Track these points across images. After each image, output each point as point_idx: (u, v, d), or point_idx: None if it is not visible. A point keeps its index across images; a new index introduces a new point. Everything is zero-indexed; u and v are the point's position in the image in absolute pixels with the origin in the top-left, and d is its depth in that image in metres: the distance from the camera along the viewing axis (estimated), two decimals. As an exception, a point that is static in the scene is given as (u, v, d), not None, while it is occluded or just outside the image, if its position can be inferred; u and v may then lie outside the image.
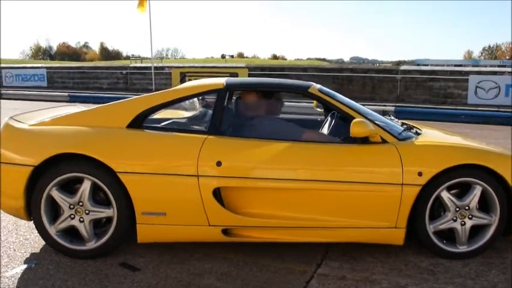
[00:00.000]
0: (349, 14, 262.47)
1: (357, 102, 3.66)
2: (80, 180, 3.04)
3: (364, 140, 3.09)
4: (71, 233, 3.14)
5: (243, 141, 3.10)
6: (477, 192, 3.09)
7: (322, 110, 4.07)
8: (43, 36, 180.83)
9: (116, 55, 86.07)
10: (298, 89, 3.43)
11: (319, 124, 3.82)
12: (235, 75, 17.19)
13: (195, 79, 4.16)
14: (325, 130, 3.49)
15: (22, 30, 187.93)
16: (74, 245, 3.11)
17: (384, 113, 12.09)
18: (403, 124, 3.76)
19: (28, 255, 3.19)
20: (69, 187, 3.10)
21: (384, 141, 3.10)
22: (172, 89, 3.41)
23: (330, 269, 3.00)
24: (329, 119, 3.58)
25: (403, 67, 16.36)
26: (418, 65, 49.07)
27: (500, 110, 12.34)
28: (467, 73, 14.39)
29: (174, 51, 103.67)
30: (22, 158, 3.07)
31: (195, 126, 3.37)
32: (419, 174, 2.99)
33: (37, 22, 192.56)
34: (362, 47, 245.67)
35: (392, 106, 12.51)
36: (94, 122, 3.19)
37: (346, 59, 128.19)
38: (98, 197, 3.10)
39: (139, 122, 3.19)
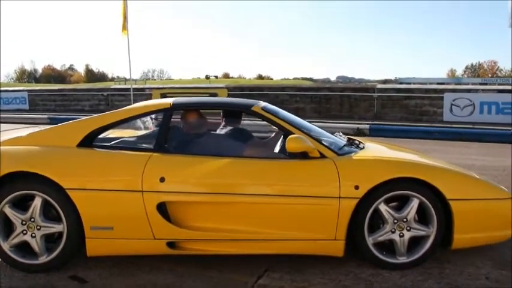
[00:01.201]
0: (336, 33, 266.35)
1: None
2: (32, 197, 3.16)
3: (304, 155, 3.24)
4: (24, 248, 3.23)
5: (186, 158, 3.25)
6: (414, 204, 3.23)
7: None
8: (28, 59, 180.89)
9: (102, 77, 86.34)
10: (242, 108, 3.60)
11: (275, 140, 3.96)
12: (215, 95, 17.38)
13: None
14: (276, 147, 3.64)
15: (6, 53, 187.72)
16: (27, 260, 3.22)
17: (359, 130, 12.38)
18: (349, 140, 3.94)
19: (-19, 271, 3.28)
20: (23, 204, 3.21)
21: (322, 156, 3.26)
22: (122, 109, 3.57)
23: (271, 279, 3.13)
24: (280, 136, 3.75)
25: (379, 86, 16.69)
26: (400, 83, 49.89)
27: (475, 127, 12.61)
28: (442, 91, 14.71)
29: (160, 73, 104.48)
30: None
31: (142, 145, 3.51)
32: (356, 187, 3.14)
33: (22, 45, 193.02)
34: (349, 66, 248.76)
35: (367, 124, 12.73)
36: (47, 142, 3.34)
37: (333, 78, 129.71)
38: (49, 213, 3.22)
39: (90, 140, 3.34)
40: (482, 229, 3.33)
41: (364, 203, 3.17)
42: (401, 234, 3.25)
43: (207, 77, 62.42)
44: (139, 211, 3.10)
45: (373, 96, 15.48)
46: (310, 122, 4.19)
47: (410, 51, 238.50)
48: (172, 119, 3.48)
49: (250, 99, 3.91)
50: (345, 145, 3.63)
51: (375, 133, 12.23)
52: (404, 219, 3.24)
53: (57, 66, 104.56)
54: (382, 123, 13.57)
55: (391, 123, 13.44)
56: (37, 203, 3.15)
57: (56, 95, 20.68)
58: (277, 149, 3.53)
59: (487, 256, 3.52)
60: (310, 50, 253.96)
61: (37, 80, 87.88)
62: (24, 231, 3.18)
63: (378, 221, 3.29)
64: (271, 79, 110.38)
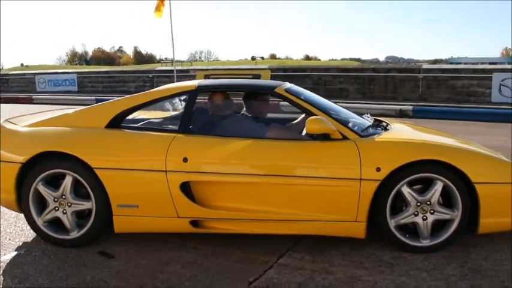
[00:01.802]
0: (385, 12, 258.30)
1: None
2: (63, 176, 3.32)
3: (326, 137, 3.23)
4: (57, 224, 3.42)
5: (209, 139, 3.31)
6: (438, 187, 3.16)
7: None
8: (79, 42, 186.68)
9: (150, 58, 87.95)
10: (265, 89, 3.62)
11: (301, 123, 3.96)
12: (258, 76, 17.41)
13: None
14: (302, 129, 3.64)
15: (59, 37, 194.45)
16: (59, 235, 3.40)
17: (401, 112, 12.08)
18: (376, 121, 3.87)
19: (20, 244, 3.50)
20: (55, 182, 3.38)
21: (345, 138, 3.24)
22: (149, 91, 3.66)
23: (292, 259, 3.16)
24: (302, 117, 3.74)
25: (425, 66, 16.16)
26: (451, 63, 48.03)
27: (521, 107, 12.03)
28: (491, 71, 14.07)
29: (208, 54, 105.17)
30: (12, 156, 3.39)
31: (168, 126, 3.59)
32: (378, 169, 3.10)
33: (73, 28, 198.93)
34: (399, 46, 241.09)
35: (410, 105, 12.40)
36: (77, 123, 3.49)
37: (382, 58, 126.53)
38: (80, 191, 3.38)
39: (118, 122, 3.45)
40: (509, 214, 3.21)
41: (386, 185, 3.13)
42: (424, 217, 3.20)
43: (253, 58, 62.44)
44: (163, 190, 3.19)
45: (418, 76, 15.02)
46: (340, 103, 4.17)
47: (462, 30, 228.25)
48: (201, 101, 3.54)
49: (276, 81, 3.90)
50: (369, 126, 3.58)
51: (418, 114, 11.91)
52: (428, 202, 3.18)
53: (107, 48, 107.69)
54: (426, 104, 13.19)
55: (434, 104, 13.03)
56: (67, 181, 3.31)
57: (104, 77, 21.36)
58: (302, 131, 3.52)
59: (513, 242, 3.41)
60: (358, 30, 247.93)
61: (87, 62, 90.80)
62: (56, 208, 3.36)
63: (401, 204, 3.25)
64: (319, 60, 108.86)
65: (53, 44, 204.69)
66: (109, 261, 3.18)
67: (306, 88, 3.95)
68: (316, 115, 3.28)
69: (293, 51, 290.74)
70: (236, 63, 60.69)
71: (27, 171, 3.36)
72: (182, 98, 3.60)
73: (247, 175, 3.18)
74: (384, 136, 3.41)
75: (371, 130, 3.50)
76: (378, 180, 3.10)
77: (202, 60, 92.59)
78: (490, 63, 32.03)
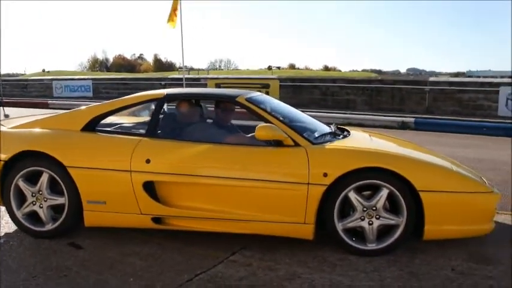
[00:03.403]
0: (408, 21, 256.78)
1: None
2: (41, 173, 3.65)
3: (279, 143, 3.48)
4: (34, 217, 3.75)
5: (171, 142, 3.62)
6: (383, 193, 3.35)
7: None
8: (100, 49, 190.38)
9: (169, 66, 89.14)
10: (227, 98, 3.91)
11: None
12: (267, 86, 17.80)
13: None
14: None
15: (81, 43, 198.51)
16: (36, 227, 3.74)
17: (403, 124, 12.19)
18: (338, 129, 4.12)
19: (2, 234, 3.84)
20: (34, 179, 3.72)
21: (296, 145, 3.48)
22: (122, 98, 3.99)
23: (242, 257, 3.41)
24: None
25: (432, 78, 16.23)
26: (469, 76, 47.53)
27: (527, 123, 12.01)
28: (498, 84, 14.09)
29: (227, 63, 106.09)
30: None
31: (137, 130, 3.90)
32: (325, 175, 3.32)
33: (95, 35, 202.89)
34: (421, 58, 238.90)
35: (412, 118, 12.52)
36: (56, 126, 3.83)
37: (403, 70, 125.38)
38: (55, 188, 3.70)
39: (93, 126, 3.78)
40: (456, 222, 3.39)
41: (333, 190, 3.34)
42: (370, 222, 3.40)
43: (269, 68, 62.93)
44: (128, 188, 3.49)
45: (424, 89, 15.12)
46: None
47: (489, 41, 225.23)
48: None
49: (242, 90, 4.18)
50: (326, 134, 3.81)
51: (420, 127, 12.02)
52: (374, 208, 3.37)
53: (128, 55, 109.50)
54: (428, 116, 13.28)
55: (437, 117, 13.11)
56: (44, 178, 3.64)
57: (118, 84, 21.99)
58: None
59: (466, 250, 3.57)
60: (381, 42, 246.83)
61: (108, 69, 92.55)
62: (34, 202, 3.70)
63: (348, 209, 3.46)
64: (339, 70, 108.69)
65: (75, 51, 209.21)
66: (77, 251, 3.49)
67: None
68: (271, 123, 3.53)
69: (313, 62, 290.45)
70: (254, 72, 61.22)
71: (10, 168, 3.69)
72: (151, 105, 3.90)
73: (204, 177, 3.45)
74: (335, 144, 3.64)
75: (327, 138, 3.74)
76: (324, 185, 3.33)
77: (222, 69, 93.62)
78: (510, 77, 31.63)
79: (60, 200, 3.65)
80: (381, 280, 3.09)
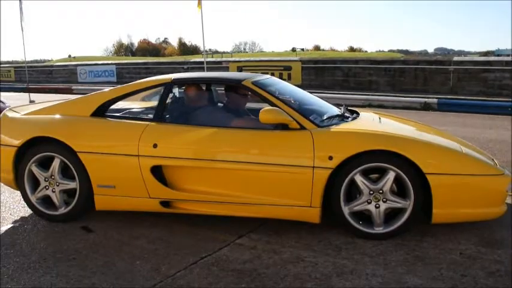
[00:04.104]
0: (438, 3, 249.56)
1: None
2: (53, 158, 3.74)
3: (285, 127, 3.47)
4: (48, 201, 3.86)
5: (178, 127, 3.65)
6: (390, 177, 3.31)
7: None
8: (125, 34, 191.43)
9: (194, 50, 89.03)
10: (233, 82, 3.90)
11: None
12: (289, 68, 17.67)
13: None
14: None
15: (106, 28, 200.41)
16: (49, 211, 3.85)
17: (426, 105, 11.96)
18: (348, 111, 4.07)
19: (18, 218, 3.97)
20: (46, 164, 3.81)
21: (302, 128, 3.46)
22: (130, 83, 4.03)
23: (249, 240, 3.44)
24: None
25: (456, 58, 15.80)
26: (498, 55, 46.08)
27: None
28: (525, 63, 13.65)
29: (252, 45, 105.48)
30: (11, 140, 3.85)
31: (145, 115, 3.94)
32: (330, 158, 3.30)
33: (120, 20, 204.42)
34: (449, 37, 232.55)
35: (435, 98, 12.26)
36: (67, 112, 3.90)
37: (431, 50, 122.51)
38: (67, 172, 3.79)
39: (102, 111, 3.83)
40: (466, 205, 3.33)
41: (339, 173, 3.33)
42: (377, 205, 3.37)
43: (293, 50, 62.48)
44: (136, 173, 3.55)
45: (448, 69, 14.75)
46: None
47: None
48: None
49: (249, 73, 4.16)
50: (333, 117, 3.78)
51: (444, 108, 11.78)
52: (380, 191, 3.34)
53: (152, 40, 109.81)
54: (452, 97, 12.97)
55: (461, 98, 12.81)
56: (55, 163, 3.74)
57: (141, 68, 22.16)
58: None
59: (477, 233, 3.51)
60: (409, 21, 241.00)
61: (133, 54, 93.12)
62: (47, 187, 3.80)
63: (355, 192, 3.44)
64: (365, 51, 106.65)
65: (101, 36, 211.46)
66: (87, 234, 3.58)
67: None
68: (277, 106, 3.51)
69: (338, 43, 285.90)
70: (279, 54, 60.79)
71: (23, 154, 3.79)
72: (158, 89, 3.93)
73: (209, 161, 3.48)
74: (342, 127, 3.60)
75: (334, 120, 3.70)
76: (330, 168, 3.31)
77: (247, 52, 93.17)
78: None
79: (72, 185, 3.73)
80: (385, 264, 3.07)
